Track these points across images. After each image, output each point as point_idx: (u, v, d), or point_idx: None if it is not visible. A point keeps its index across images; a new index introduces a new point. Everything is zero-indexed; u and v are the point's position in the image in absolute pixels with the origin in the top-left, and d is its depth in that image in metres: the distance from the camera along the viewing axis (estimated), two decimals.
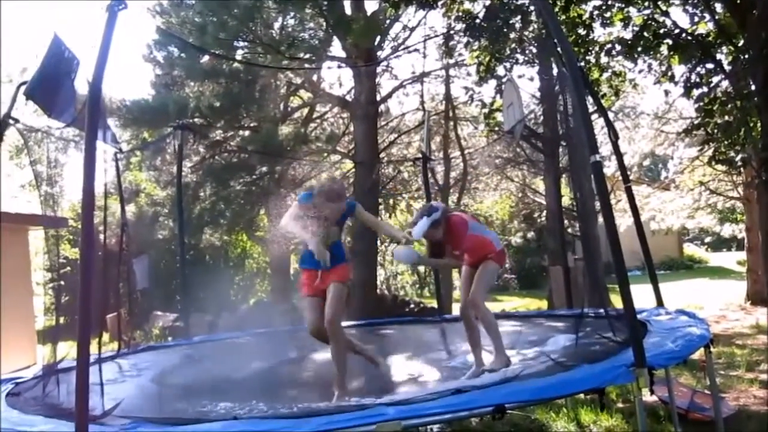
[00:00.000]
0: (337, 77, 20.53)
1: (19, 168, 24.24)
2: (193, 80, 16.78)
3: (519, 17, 11.59)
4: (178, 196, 9.42)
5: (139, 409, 4.63)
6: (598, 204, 4.80)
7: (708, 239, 39.19)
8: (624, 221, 17.75)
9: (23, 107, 6.54)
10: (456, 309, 18.57)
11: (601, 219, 4.63)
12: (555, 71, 12.91)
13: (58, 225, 13.69)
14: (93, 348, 3.74)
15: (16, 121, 5.66)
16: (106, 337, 16.19)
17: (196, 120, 15.37)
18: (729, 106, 10.90)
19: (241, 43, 15.81)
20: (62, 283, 14.88)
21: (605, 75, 12.24)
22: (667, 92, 12.98)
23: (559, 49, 5.03)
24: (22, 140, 6.42)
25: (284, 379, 6.32)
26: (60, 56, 4.86)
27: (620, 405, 7.04)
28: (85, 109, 4.04)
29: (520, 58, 12.71)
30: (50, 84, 4.89)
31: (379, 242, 18.51)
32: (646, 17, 11.27)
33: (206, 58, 16.06)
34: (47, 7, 52.15)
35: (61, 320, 11.93)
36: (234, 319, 16.50)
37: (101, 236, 7.72)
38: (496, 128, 14.61)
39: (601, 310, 6.39)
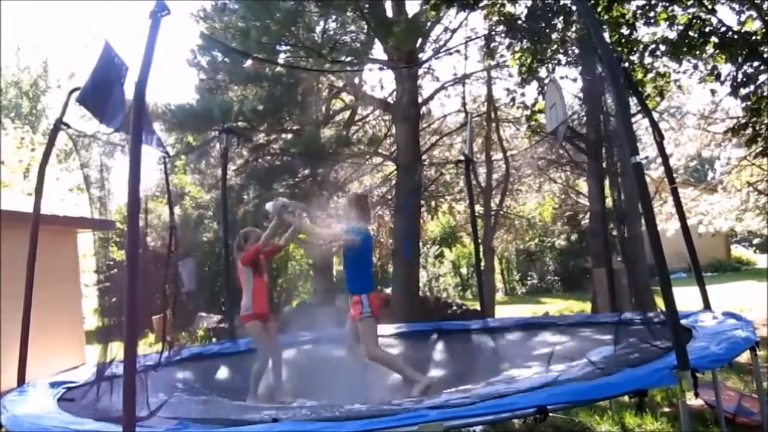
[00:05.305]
0: (379, 80, 20.47)
1: (67, 171, 24.70)
2: (236, 84, 16.99)
3: (561, 18, 11.51)
4: (223, 198, 9.52)
5: (183, 410, 4.71)
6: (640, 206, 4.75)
7: (756, 241, 38.30)
8: (671, 225, 17.45)
9: (70, 111, 6.71)
10: (499, 312, 18.51)
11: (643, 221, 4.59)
12: (598, 71, 12.79)
13: (105, 227, 13.98)
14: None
15: (67, 126, 5.81)
16: (152, 337, 16.58)
17: (239, 123, 15.54)
18: None
19: (284, 47, 15.94)
20: (108, 284, 15.17)
21: (649, 76, 12.08)
22: (713, 91, 12.75)
23: (598, 49, 5.00)
24: (71, 144, 6.59)
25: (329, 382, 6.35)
26: (110, 62, 4.95)
27: (666, 409, 6.95)
28: (130, 114, 4.12)
29: (563, 59, 12.58)
30: (101, 90, 4.98)
31: (421, 244, 18.43)
32: (691, 15, 11.11)
33: (249, 62, 16.22)
34: (95, 11, 53.14)
35: (109, 321, 12.14)
36: (277, 320, 16.63)
37: (146, 238, 7.86)
38: (539, 130, 14.52)
39: (645, 314, 6.33)
